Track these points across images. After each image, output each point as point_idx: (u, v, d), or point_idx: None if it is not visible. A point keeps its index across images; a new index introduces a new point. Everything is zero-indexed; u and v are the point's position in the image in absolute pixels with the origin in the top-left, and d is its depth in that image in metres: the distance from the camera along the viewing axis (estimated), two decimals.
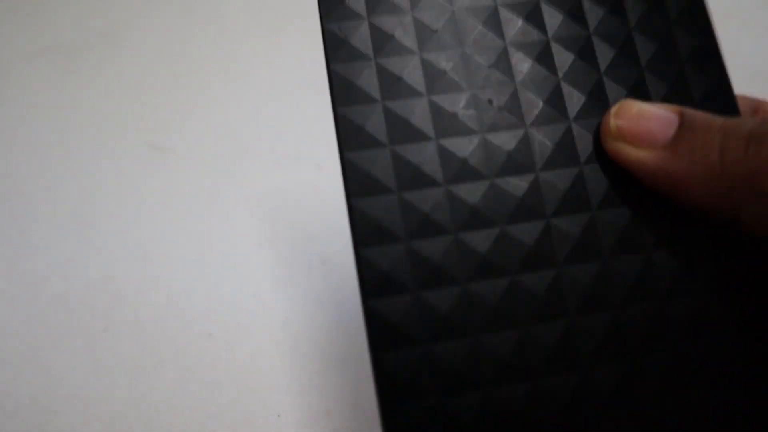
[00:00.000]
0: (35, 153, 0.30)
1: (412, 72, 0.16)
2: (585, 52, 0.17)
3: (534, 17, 0.17)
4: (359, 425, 0.25)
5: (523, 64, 0.16)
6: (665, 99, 0.16)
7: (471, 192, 0.15)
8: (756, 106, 0.18)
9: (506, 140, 0.16)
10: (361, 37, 0.16)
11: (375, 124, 0.15)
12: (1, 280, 0.27)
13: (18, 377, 0.25)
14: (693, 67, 0.16)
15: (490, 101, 0.16)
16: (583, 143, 0.16)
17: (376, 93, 0.16)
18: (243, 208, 0.30)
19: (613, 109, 0.15)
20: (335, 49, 0.16)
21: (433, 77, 0.16)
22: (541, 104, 0.16)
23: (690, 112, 0.14)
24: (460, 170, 0.16)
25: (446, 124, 0.16)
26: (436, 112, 0.16)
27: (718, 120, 0.14)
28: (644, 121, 0.15)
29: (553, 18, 0.17)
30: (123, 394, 0.25)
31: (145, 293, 0.27)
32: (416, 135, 0.16)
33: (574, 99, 0.16)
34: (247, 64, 0.34)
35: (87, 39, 0.34)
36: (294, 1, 0.37)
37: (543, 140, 0.16)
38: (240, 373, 0.26)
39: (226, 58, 0.34)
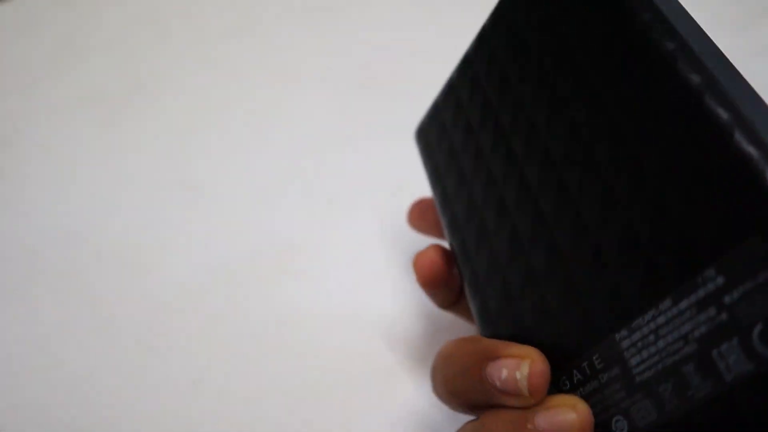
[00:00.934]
0: (81, 194, 0.33)
1: None
2: None
3: None
4: None
5: None
6: None
7: None
8: None
9: None
10: None
11: None
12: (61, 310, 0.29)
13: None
14: None
15: None
16: None
17: None
18: (264, 241, 0.32)
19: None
20: None
21: None
22: None
23: None
24: None
25: None
26: None
27: None
28: None
29: None
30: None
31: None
32: None
33: None
34: (267, 111, 0.37)
35: (121, 89, 0.38)
36: (305, 58, 0.40)
37: None
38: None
39: (246, 104, 0.37)
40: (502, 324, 0.19)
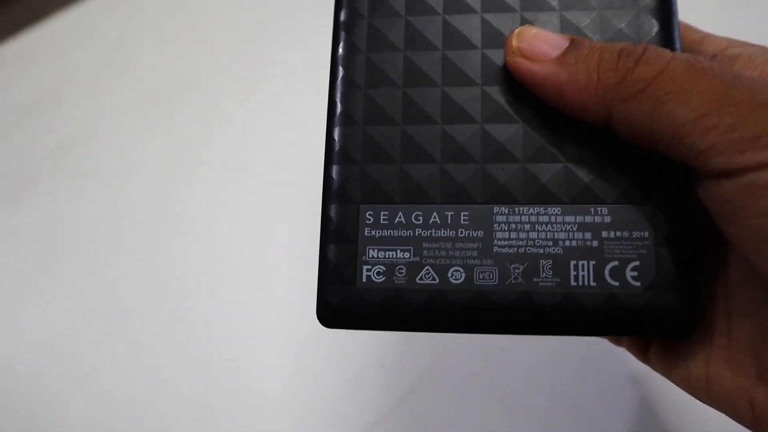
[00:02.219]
0: (142, 184, 0.39)
1: None
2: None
3: None
4: None
5: None
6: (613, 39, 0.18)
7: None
8: (701, 38, 0.20)
9: None
10: None
11: None
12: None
13: None
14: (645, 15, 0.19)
15: None
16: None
17: None
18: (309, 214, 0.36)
19: (516, 32, 0.18)
20: None
21: None
22: None
23: (579, 37, 0.17)
24: None
25: None
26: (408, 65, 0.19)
27: (600, 42, 0.17)
28: (538, 41, 0.18)
29: None
30: None
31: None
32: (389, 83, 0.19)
33: None
34: (302, 98, 0.41)
35: (169, 86, 0.42)
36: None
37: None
38: None
39: (282, 94, 0.41)
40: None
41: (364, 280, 0.18)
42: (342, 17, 0.20)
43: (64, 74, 0.44)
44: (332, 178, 0.19)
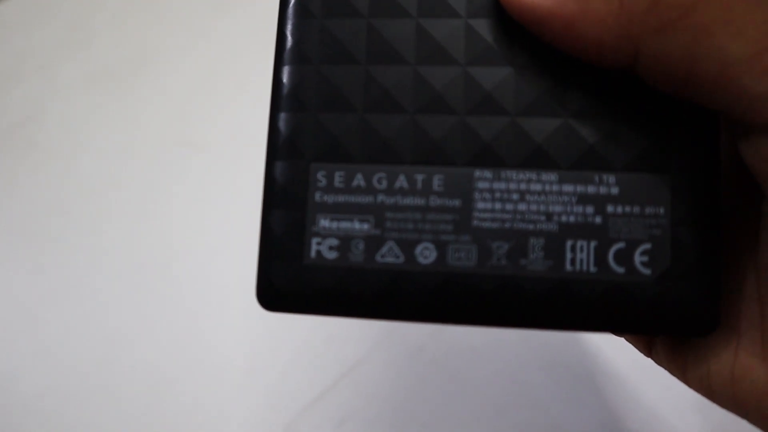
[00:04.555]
0: (95, 158, 0.39)
1: None
2: None
3: None
4: None
5: None
6: None
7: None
8: None
9: None
10: None
11: None
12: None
13: None
14: None
15: None
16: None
17: None
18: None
19: None
20: None
21: None
22: None
23: None
24: None
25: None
26: None
27: None
28: None
29: None
30: None
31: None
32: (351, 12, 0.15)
33: None
34: (257, 74, 0.41)
35: (124, 63, 0.42)
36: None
37: None
38: None
39: (237, 69, 0.41)
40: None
41: (313, 255, 0.14)
42: None
43: (19, 52, 0.44)
44: (278, 128, 0.15)
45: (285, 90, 0.15)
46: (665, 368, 0.17)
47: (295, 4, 0.15)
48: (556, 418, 0.29)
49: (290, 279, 0.14)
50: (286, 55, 0.15)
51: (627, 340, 0.18)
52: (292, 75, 0.15)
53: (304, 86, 0.15)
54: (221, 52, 0.42)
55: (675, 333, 0.14)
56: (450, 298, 0.14)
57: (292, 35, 0.15)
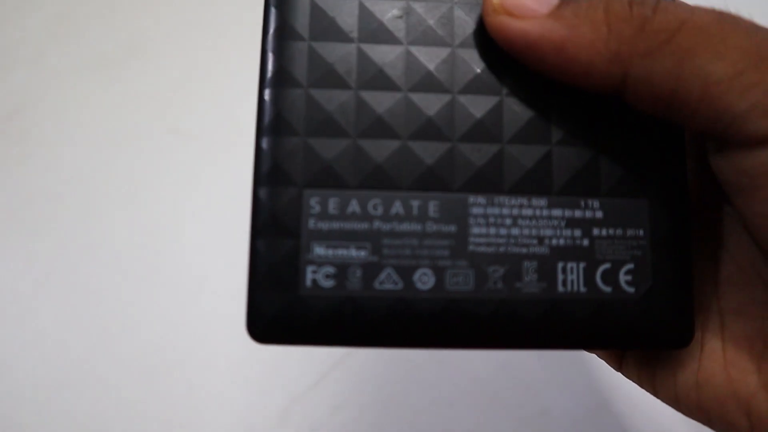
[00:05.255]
0: (86, 148, 0.39)
1: None
2: None
3: None
4: None
5: None
6: None
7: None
8: None
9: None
10: None
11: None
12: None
13: None
14: None
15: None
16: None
17: None
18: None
19: None
20: None
21: None
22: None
23: None
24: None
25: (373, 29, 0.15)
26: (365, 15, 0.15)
27: None
28: None
29: None
30: None
31: None
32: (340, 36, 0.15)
33: None
34: (249, 62, 0.36)
35: (116, 51, 0.42)
36: None
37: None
38: None
39: (229, 57, 0.41)
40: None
41: (308, 284, 0.14)
42: None
43: (9, 42, 0.44)
44: (265, 153, 0.15)
45: (272, 113, 0.15)
46: (635, 381, 0.18)
47: (281, 24, 0.15)
48: (545, 402, 0.29)
49: (285, 310, 0.14)
50: (273, 77, 0.15)
51: (598, 355, 0.19)
52: (280, 98, 0.15)
53: (293, 110, 0.15)
54: (212, 40, 0.42)
55: (656, 346, 0.15)
56: (450, 323, 0.14)
57: (279, 56, 0.15)
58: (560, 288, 0.14)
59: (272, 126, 0.15)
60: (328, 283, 0.14)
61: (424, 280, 0.14)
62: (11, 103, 0.41)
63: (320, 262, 0.14)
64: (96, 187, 0.37)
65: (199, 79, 0.41)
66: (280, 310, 0.14)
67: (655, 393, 0.17)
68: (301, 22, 0.15)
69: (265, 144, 0.15)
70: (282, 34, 0.15)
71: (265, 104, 0.15)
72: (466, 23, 0.15)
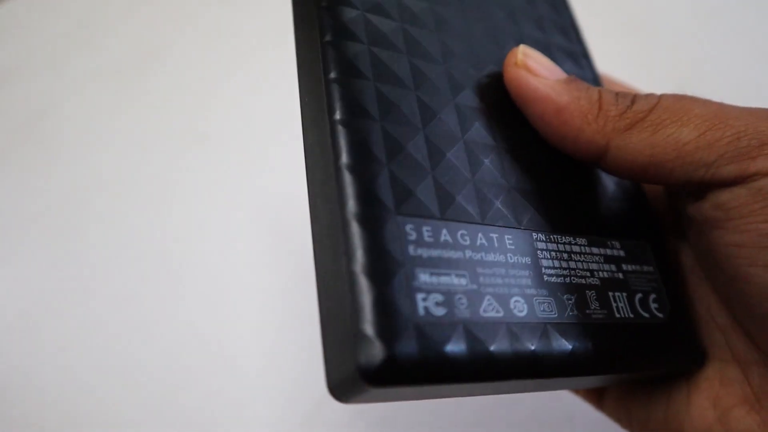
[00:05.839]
0: (107, 153, 0.38)
1: None
2: None
3: None
4: None
5: None
6: None
7: None
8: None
9: None
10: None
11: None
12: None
13: None
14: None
15: None
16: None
17: None
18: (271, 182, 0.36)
19: (521, 47, 0.18)
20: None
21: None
22: None
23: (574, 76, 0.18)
24: None
25: None
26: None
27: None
28: (542, 61, 0.18)
29: None
30: None
31: None
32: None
33: None
34: (270, 66, 0.41)
35: (135, 57, 0.43)
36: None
37: None
38: None
39: (249, 61, 0.42)
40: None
41: (421, 313, 0.13)
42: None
43: (30, 49, 0.44)
44: (350, 176, 0.13)
45: (351, 140, 0.14)
46: (613, 418, 0.19)
47: (345, 63, 0.15)
48: (570, 408, 0.27)
49: (406, 344, 0.12)
50: (345, 108, 0.14)
51: (578, 394, 0.20)
52: (358, 127, 0.14)
53: (371, 139, 0.14)
54: (232, 45, 0.43)
55: (686, 366, 0.16)
56: (547, 352, 0.14)
57: (349, 90, 0.15)
58: (617, 314, 0.16)
59: (353, 151, 0.14)
60: (440, 311, 0.13)
61: (520, 307, 0.14)
62: (36, 108, 0.41)
63: (428, 290, 0.13)
64: (119, 191, 0.36)
65: (222, 83, 0.41)
66: (400, 345, 0.12)
67: (630, 429, 0.18)
68: (365, 65, 0.15)
69: (347, 167, 0.14)
70: (346, 70, 0.15)
71: (341, 132, 0.14)
72: (488, 87, 0.17)
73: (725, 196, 0.15)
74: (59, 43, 0.44)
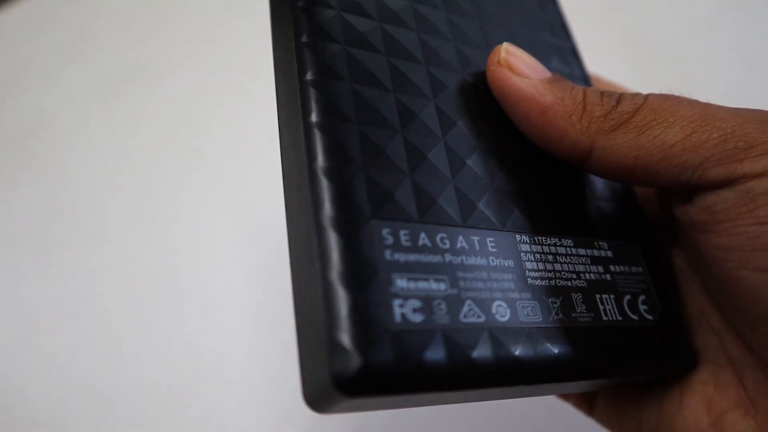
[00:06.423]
0: (98, 166, 0.38)
1: None
2: None
3: None
4: None
5: None
6: None
7: None
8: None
9: None
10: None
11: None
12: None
13: None
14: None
15: None
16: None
17: None
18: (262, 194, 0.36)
19: (504, 45, 0.17)
20: None
21: None
22: None
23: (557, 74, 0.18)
24: None
25: None
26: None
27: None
28: (526, 59, 0.17)
29: None
30: None
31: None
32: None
33: None
34: (260, 80, 0.38)
35: (127, 70, 0.42)
36: None
37: None
38: None
39: (240, 75, 0.41)
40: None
41: (398, 320, 0.12)
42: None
43: (21, 61, 0.44)
44: (325, 180, 0.13)
45: (326, 143, 0.14)
46: (604, 425, 0.19)
47: (320, 65, 0.15)
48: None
49: (380, 353, 0.12)
50: (321, 111, 0.14)
51: (570, 402, 0.19)
52: (333, 129, 0.14)
53: (347, 142, 0.14)
54: (224, 58, 0.42)
55: (670, 371, 0.16)
56: (531, 357, 0.14)
57: (324, 92, 0.14)
58: (604, 317, 0.15)
59: (328, 154, 0.13)
60: (417, 318, 0.12)
61: (502, 312, 0.14)
62: (23, 122, 0.41)
63: (405, 296, 0.13)
64: (110, 205, 0.36)
65: (212, 98, 0.41)
66: (376, 353, 0.12)
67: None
68: (341, 66, 0.15)
69: (321, 172, 0.13)
70: (322, 71, 0.15)
71: (314, 134, 0.14)
72: (466, 86, 0.17)
73: (712, 198, 0.15)
74: (49, 56, 0.44)
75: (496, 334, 0.13)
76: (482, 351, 0.13)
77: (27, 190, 0.38)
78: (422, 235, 0.14)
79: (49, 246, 0.35)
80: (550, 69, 0.18)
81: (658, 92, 0.17)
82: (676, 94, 0.17)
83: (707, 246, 0.15)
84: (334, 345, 0.12)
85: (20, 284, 0.34)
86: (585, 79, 0.20)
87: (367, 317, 0.12)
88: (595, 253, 0.16)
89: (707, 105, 0.16)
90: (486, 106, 0.17)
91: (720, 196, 0.15)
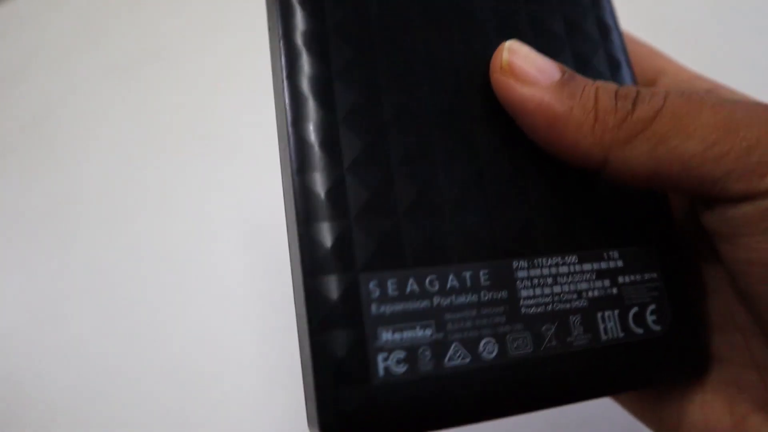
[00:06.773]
0: (111, 154, 0.39)
1: None
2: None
3: None
4: None
5: None
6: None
7: None
8: (661, 68, 0.20)
9: None
10: None
11: None
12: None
13: None
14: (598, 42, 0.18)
15: None
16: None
17: None
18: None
19: (507, 45, 0.16)
20: None
21: None
22: None
23: (570, 70, 0.16)
24: None
25: None
26: None
27: (591, 79, 0.16)
28: (529, 62, 0.16)
29: None
30: None
31: None
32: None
33: None
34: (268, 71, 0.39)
35: (138, 58, 0.42)
36: None
37: None
38: None
39: (252, 60, 0.41)
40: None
41: (381, 374, 0.13)
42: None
43: (31, 49, 0.44)
44: (311, 238, 0.14)
45: (319, 196, 0.14)
46: (627, 409, 0.19)
47: (311, 104, 0.15)
48: (586, 411, 0.28)
49: (362, 405, 0.13)
50: (313, 161, 0.14)
51: (622, 404, 0.20)
52: (324, 180, 0.14)
53: (338, 191, 0.14)
54: (237, 45, 0.42)
55: (684, 377, 0.16)
56: (517, 389, 0.14)
57: (312, 135, 0.14)
58: (603, 336, 0.15)
59: (319, 209, 0.14)
60: (401, 369, 0.14)
61: (489, 348, 0.14)
62: (35, 109, 0.41)
63: (390, 348, 0.14)
64: (122, 192, 0.37)
65: (223, 84, 0.40)
66: (358, 406, 0.13)
67: (656, 428, 0.18)
68: (326, 97, 0.15)
69: (312, 229, 0.14)
70: (315, 107, 0.15)
71: (306, 187, 0.14)
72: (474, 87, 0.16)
73: (732, 212, 0.14)
74: (59, 43, 0.44)
75: (482, 373, 0.14)
76: (466, 391, 0.14)
77: (38, 176, 0.38)
78: (410, 281, 0.14)
79: (61, 233, 0.36)
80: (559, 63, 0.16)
81: (678, 90, 0.15)
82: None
83: (727, 257, 0.15)
84: (321, 401, 0.13)
85: (35, 273, 0.35)
86: (618, 45, 0.18)
87: (351, 376, 0.13)
88: (603, 265, 0.16)
89: (733, 107, 0.14)
90: (486, 111, 0.16)
91: (740, 210, 0.14)
